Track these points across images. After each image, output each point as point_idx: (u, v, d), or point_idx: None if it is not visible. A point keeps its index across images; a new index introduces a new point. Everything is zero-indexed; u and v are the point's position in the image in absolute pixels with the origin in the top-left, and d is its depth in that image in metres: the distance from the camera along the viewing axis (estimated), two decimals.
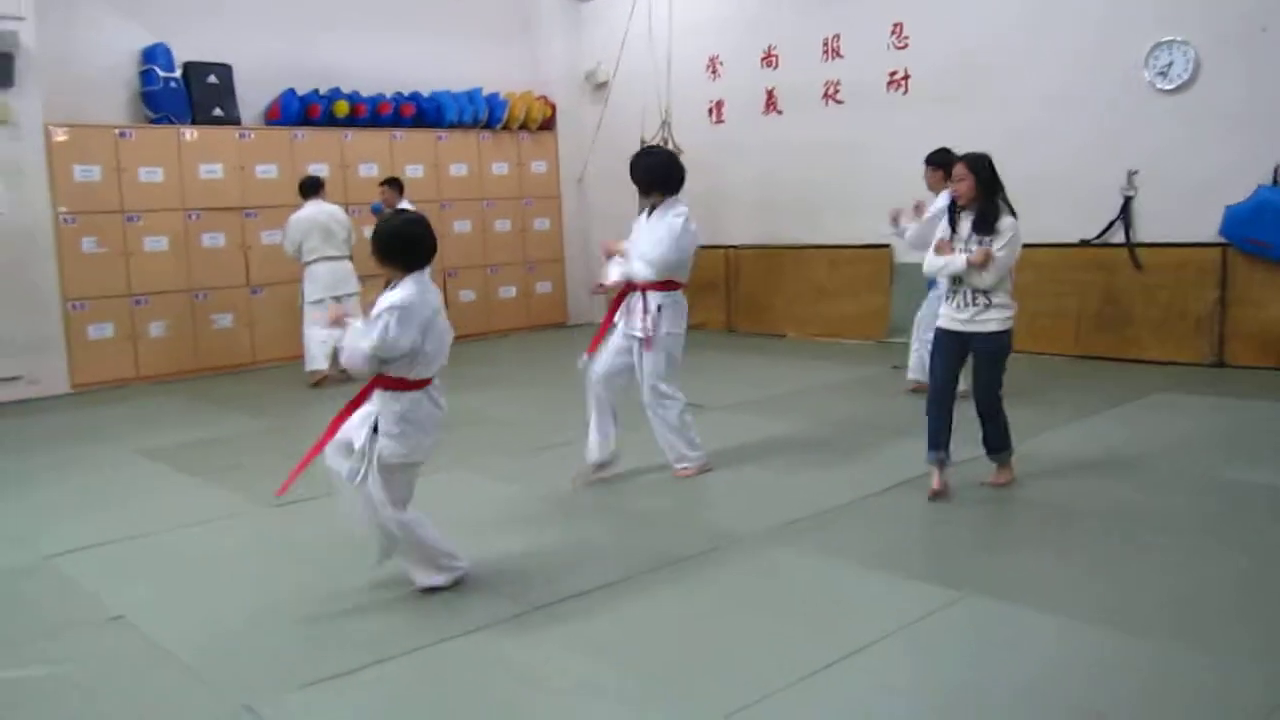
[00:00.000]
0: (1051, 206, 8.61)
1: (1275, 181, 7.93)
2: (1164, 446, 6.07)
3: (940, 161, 7.18)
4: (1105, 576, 4.24)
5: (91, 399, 9.30)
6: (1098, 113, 8.74)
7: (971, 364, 5.50)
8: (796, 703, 3.27)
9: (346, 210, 9.84)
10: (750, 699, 3.27)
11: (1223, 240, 8.19)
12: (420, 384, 4.13)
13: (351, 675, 3.58)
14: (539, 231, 13.01)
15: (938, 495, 5.27)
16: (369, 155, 11.40)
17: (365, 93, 11.54)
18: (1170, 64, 8.40)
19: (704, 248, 11.81)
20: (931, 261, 5.33)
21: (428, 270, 4.18)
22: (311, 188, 9.48)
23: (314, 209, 9.34)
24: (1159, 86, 8.47)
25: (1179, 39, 8.32)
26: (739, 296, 11.85)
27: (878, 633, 3.72)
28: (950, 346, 5.35)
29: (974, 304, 5.20)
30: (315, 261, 9.31)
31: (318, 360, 9.37)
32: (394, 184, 10.08)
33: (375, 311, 4.00)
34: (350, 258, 9.45)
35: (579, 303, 13.28)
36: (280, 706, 3.39)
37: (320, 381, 9.33)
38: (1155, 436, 6.33)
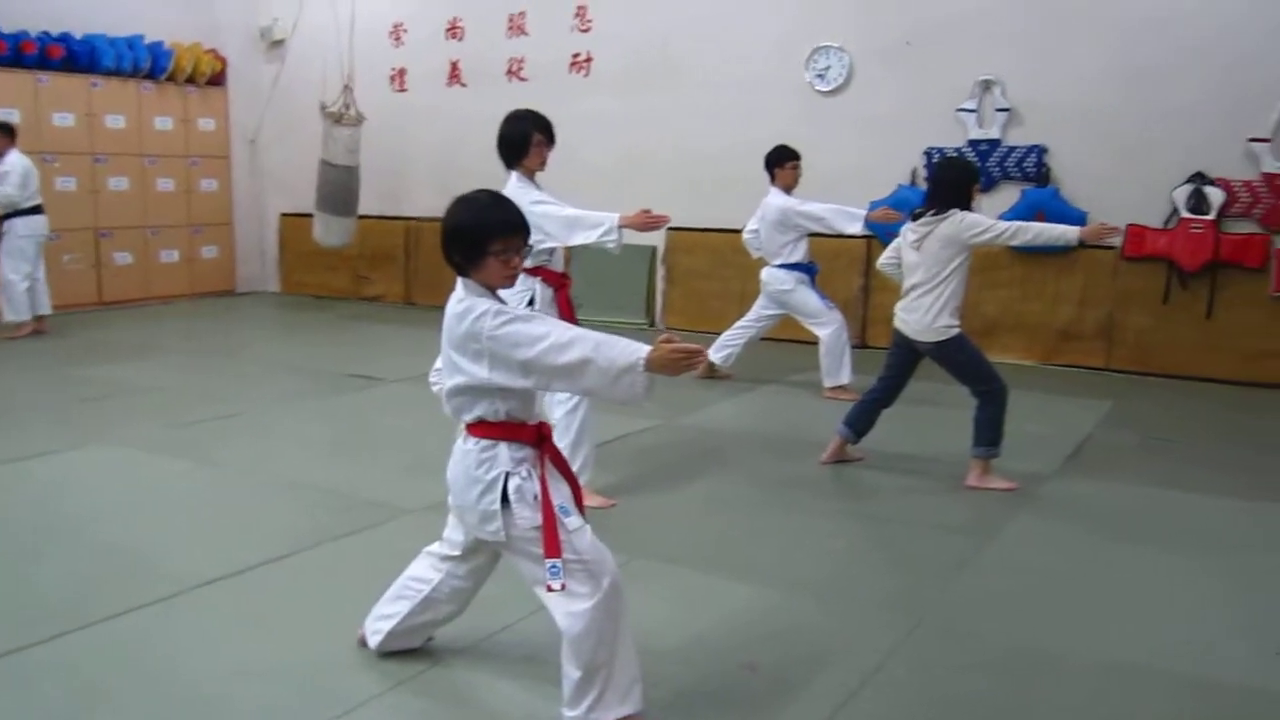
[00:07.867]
0: (721, 195, 9.11)
1: (913, 181, 8.79)
2: (809, 421, 6.58)
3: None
4: (759, 541, 4.58)
5: None
6: (766, 109, 9.32)
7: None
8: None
9: None
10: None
11: (868, 233, 8.94)
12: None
13: (44, 645, 3.31)
14: (205, 193, 12.26)
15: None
16: (10, 99, 10.31)
17: (6, 29, 10.43)
18: (828, 68, 9.13)
19: (383, 219, 11.70)
20: None
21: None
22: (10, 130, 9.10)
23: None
24: (817, 88, 9.18)
25: (836, 45, 9.04)
26: (418, 268, 11.70)
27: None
28: None
29: None
30: (36, 209, 9.18)
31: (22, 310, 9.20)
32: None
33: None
34: None
35: (249, 269, 12.70)
36: None
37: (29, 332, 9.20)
38: (802, 411, 6.86)
